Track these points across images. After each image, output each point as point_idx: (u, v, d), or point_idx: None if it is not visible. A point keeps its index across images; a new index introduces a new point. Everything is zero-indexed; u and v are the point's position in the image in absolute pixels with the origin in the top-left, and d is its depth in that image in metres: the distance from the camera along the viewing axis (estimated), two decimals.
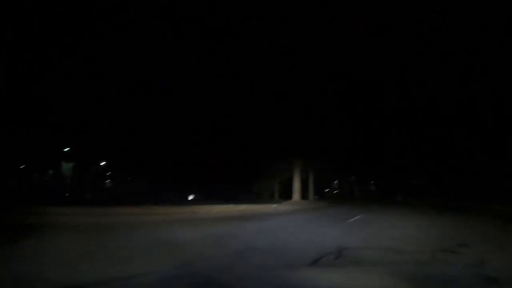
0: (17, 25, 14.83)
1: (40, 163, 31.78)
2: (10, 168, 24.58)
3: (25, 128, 19.26)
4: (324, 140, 27.19)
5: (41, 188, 22.78)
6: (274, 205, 19.44)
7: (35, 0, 14.98)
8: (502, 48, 15.81)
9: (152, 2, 17.64)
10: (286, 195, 33.23)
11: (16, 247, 4.46)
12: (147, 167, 32.78)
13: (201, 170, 33.28)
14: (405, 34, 17.26)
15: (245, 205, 16.03)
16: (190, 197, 36.99)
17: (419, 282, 1.54)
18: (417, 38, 17.29)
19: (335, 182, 58.41)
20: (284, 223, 9.52)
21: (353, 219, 10.43)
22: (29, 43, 15.69)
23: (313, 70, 21.71)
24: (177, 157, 30.10)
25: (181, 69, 23.42)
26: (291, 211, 15.76)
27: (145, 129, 26.78)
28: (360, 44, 18.89)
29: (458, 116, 21.11)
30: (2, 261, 3.66)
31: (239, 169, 33.05)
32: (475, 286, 1.49)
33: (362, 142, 26.54)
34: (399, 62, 18.72)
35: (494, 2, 14.89)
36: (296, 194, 29.09)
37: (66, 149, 30.24)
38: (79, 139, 25.40)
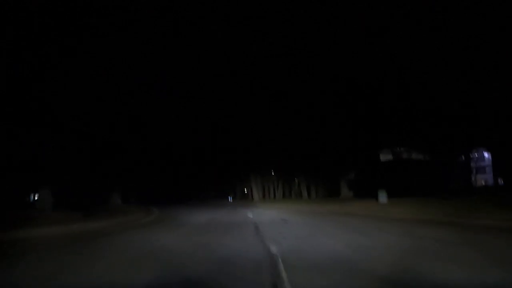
0: (17, 25, 14.85)
1: None
2: None
3: (25, 128, 19.28)
4: (324, 140, 27.22)
5: None
6: None
7: (35, 0, 15.00)
8: (502, 48, 15.82)
9: (152, 2, 17.66)
10: None
11: None
12: None
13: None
14: (405, 34, 17.27)
15: None
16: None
17: None
18: (417, 38, 17.29)
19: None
20: None
21: None
22: (29, 43, 15.71)
23: (313, 70, 21.74)
24: None
25: (181, 69, 23.46)
26: None
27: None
28: (360, 44, 18.89)
29: (458, 116, 21.11)
30: None
31: None
32: None
33: (362, 142, 26.55)
34: (399, 62, 18.72)
35: (494, 2, 14.89)
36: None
37: None
38: None
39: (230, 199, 52.46)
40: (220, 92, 26.03)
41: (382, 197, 18.23)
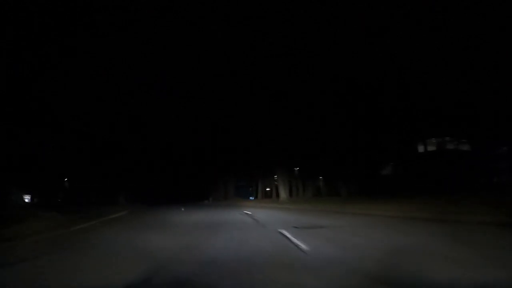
0: (17, 25, 14.84)
1: None
2: None
3: (25, 128, 19.29)
4: (324, 140, 27.20)
5: None
6: None
7: (35, 0, 15.00)
8: (502, 48, 15.82)
9: (152, 2, 17.67)
10: None
11: None
12: None
13: None
14: (405, 34, 17.27)
15: None
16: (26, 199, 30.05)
17: None
18: (417, 38, 17.30)
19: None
20: None
21: None
22: (29, 43, 15.71)
23: (313, 70, 21.74)
24: None
25: (181, 69, 23.48)
26: None
27: None
28: (360, 44, 18.89)
29: (458, 116, 21.13)
30: None
31: None
32: None
33: (362, 142, 26.53)
34: (399, 62, 18.73)
35: (494, 2, 14.89)
36: None
37: None
38: None
39: (252, 198, 45.44)
40: (220, 92, 26.04)
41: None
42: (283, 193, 34.41)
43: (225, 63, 23.14)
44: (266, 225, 9.04)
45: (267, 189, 45.32)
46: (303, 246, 5.09)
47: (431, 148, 29.53)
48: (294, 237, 5.98)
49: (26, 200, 31.78)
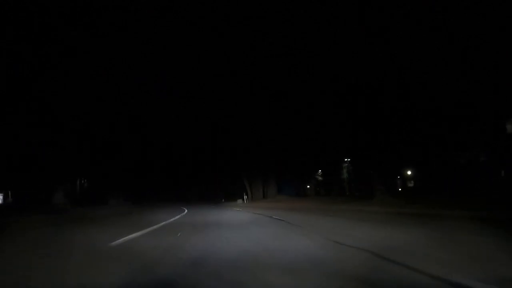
0: (17, 25, 14.85)
1: None
2: None
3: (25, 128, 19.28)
4: (324, 140, 27.17)
5: None
6: None
7: (35, 0, 15.01)
8: (502, 48, 15.81)
9: (152, 2, 17.67)
10: None
11: None
12: None
13: None
14: (405, 34, 17.26)
15: None
16: None
17: None
18: (417, 38, 17.28)
19: None
20: None
21: None
22: (29, 43, 15.72)
23: (313, 70, 21.72)
24: None
25: (181, 69, 23.49)
26: None
27: None
28: (360, 44, 18.87)
29: (458, 116, 21.10)
30: None
31: None
32: None
33: (362, 143, 26.50)
34: (399, 62, 18.70)
35: (494, 2, 14.88)
36: None
37: None
38: None
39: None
40: (220, 92, 26.04)
41: None
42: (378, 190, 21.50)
43: (225, 63, 23.15)
44: None
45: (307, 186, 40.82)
46: None
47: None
48: None
49: None
